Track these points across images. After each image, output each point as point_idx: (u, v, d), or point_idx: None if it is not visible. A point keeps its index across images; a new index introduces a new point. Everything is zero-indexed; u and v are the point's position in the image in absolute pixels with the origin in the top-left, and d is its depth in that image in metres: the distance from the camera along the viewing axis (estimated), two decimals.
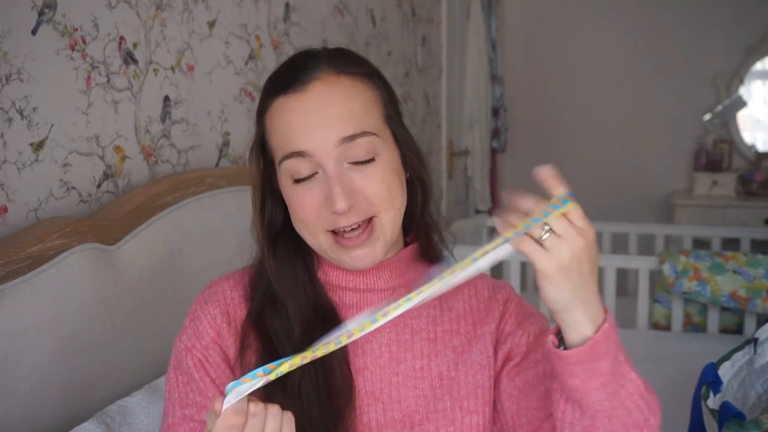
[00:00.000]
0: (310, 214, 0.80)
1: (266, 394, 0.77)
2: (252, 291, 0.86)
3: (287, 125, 0.80)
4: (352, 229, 0.80)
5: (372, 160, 0.80)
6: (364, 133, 0.80)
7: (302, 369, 0.77)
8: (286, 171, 0.81)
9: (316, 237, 0.82)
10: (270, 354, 0.80)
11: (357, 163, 0.79)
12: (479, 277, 0.94)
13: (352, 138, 0.79)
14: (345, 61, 0.83)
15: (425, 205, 0.89)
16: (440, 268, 0.79)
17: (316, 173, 0.79)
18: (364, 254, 0.81)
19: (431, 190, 0.89)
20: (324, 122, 0.79)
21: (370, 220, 0.81)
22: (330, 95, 0.80)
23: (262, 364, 0.78)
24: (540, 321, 0.89)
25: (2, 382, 1.07)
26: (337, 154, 0.79)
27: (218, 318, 0.84)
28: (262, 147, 0.87)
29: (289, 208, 0.84)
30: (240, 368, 0.82)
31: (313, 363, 0.77)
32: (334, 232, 0.81)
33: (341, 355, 0.81)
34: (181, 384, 0.83)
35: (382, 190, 0.80)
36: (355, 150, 0.79)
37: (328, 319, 0.83)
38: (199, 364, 0.82)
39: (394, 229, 0.83)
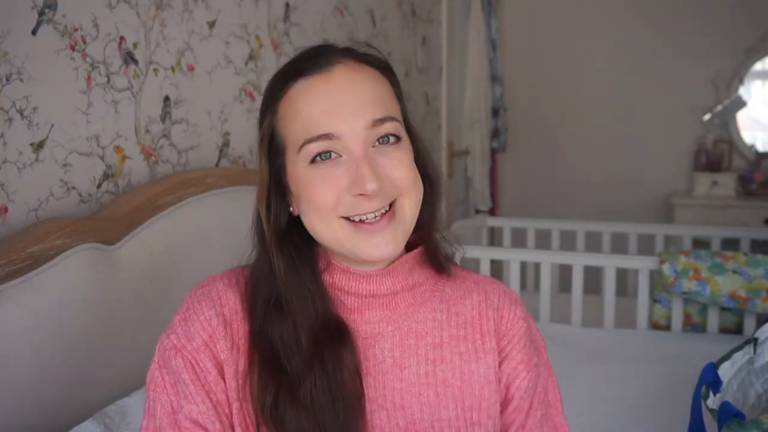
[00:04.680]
0: (329, 199, 0.77)
1: (274, 406, 0.76)
2: (253, 298, 0.82)
3: (312, 107, 0.77)
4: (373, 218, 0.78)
5: (397, 142, 0.79)
6: (392, 118, 0.79)
7: (314, 378, 0.76)
8: (305, 155, 0.77)
9: (329, 224, 0.78)
10: (276, 367, 0.77)
11: (383, 144, 0.78)
12: (490, 282, 0.92)
13: (382, 121, 0.77)
14: (363, 54, 0.82)
15: (435, 205, 0.87)
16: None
17: (339, 156, 0.77)
18: (386, 242, 0.77)
19: (441, 190, 0.88)
20: (354, 105, 0.77)
21: (390, 205, 0.79)
22: (356, 77, 0.78)
23: (269, 378, 0.77)
24: (533, 370, 0.89)
25: (2, 382, 1.07)
26: (365, 137, 0.77)
27: (213, 320, 0.79)
28: (269, 139, 0.82)
29: (301, 195, 0.79)
30: (248, 383, 0.78)
31: (325, 372, 0.76)
32: (350, 220, 0.78)
33: (353, 364, 0.79)
34: (169, 384, 0.79)
35: (406, 174, 0.79)
36: (383, 131, 0.78)
37: (337, 329, 0.80)
38: (189, 366, 0.78)
39: (413, 216, 0.81)
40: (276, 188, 0.83)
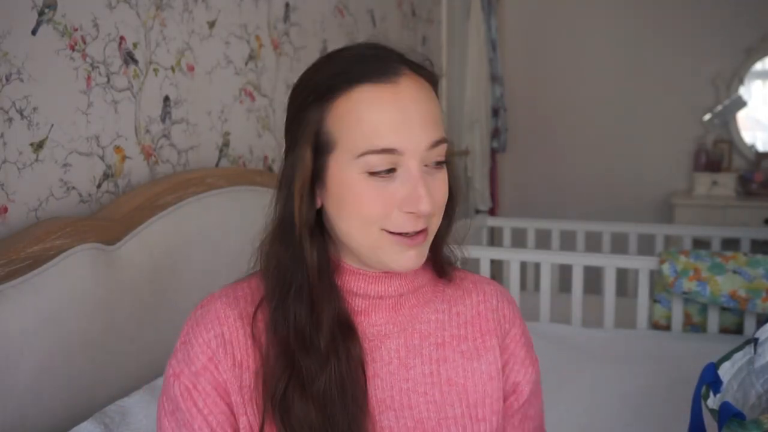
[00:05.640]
0: (379, 212, 0.76)
1: (283, 397, 0.76)
2: (270, 291, 0.81)
3: (378, 117, 0.75)
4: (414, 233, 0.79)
5: (442, 165, 0.80)
6: (445, 140, 0.79)
7: (330, 371, 0.77)
8: (363, 165, 0.76)
9: (368, 232, 0.77)
10: (288, 359, 0.77)
11: (431, 166, 0.78)
12: (487, 282, 0.94)
13: (438, 143, 0.78)
14: (418, 63, 0.82)
15: (452, 217, 0.88)
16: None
17: (394, 170, 0.77)
18: (416, 256, 0.79)
19: (460, 202, 0.89)
20: (419, 121, 0.76)
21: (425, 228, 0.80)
22: (420, 95, 0.78)
23: (281, 370, 0.77)
24: (536, 364, 0.93)
25: (2, 382, 1.07)
26: (422, 156, 0.77)
27: (212, 342, 0.79)
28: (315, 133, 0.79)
29: (345, 200, 0.77)
30: (260, 379, 0.78)
31: (339, 365, 0.78)
32: (390, 232, 0.78)
33: (359, 358, 0.80)
34: (169, 412, 0.79)
35: (445, 198, 0.81)
36: (436, 154, 0.78)
37: (347, 323, 0.81)
38: (186, 391, 0.78)
39: (433, 236, 0.83)
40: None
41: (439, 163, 0.79)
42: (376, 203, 0.76)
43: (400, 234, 0.78)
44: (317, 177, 0.80)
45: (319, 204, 0.81)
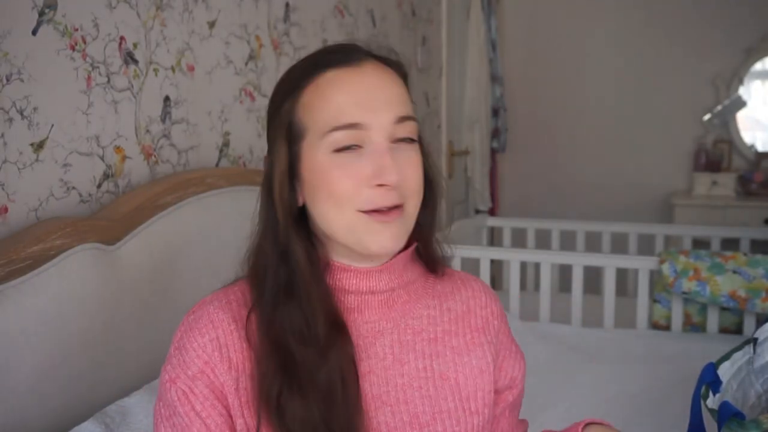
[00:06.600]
0: (349, 187, 0.77)
1: (279, 400, 0.75)
2: (260, 287, 0.81)
3: (343, 96, 0.78)
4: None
5: (412, 143, 0.82)
6: (412, 118, 0.82)
7: (329, 364, 0.77)
8: (329, 143, 0.78)
9: (343, 213, 0.78)
10: (282, 357, 0.77)
11: (401, 141, 0.80)
12: (474, 279, 0.96)
13: (405, 119, 0.80)
14: (385, 57, 0.85)
15: (435, 208, 0.89)
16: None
17: (361, 148, 0.78)
18: (392, 236, 0.79)
19: (442, 192, 0.90)
20: (383, 98, 0.79)
21: (400, 206, 0.81)
22: (384, 76, 0.81)
23: (275, 369, 0.76)
24: (523, 357, 0.98)
25: (2, 382, 1.08)
26: (389, 132, 0.79)
27: (207, 346, 0.78)
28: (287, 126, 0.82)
29: (318, 183, 0.79)
30: (252, 384, 0.78)
31: (338, 360, 0.78)
32: (364, 212, 0.79)
33: (352, 355, 0.80)
34: (165, 417, 0.79)
35: (417, 176, 0.81)
36: (403, 130, 0.80)
37: (340, 327, 0.81)
38: (183, 396, 0.77)
39: (414, 218, 0.83)
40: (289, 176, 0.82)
41: (410, 141, 0.81)
42: (345, 180, 0.78)
43: (374, 211, 0.78)
44: (294, 171, 0.82)
45: (300, 202, 0.83)
